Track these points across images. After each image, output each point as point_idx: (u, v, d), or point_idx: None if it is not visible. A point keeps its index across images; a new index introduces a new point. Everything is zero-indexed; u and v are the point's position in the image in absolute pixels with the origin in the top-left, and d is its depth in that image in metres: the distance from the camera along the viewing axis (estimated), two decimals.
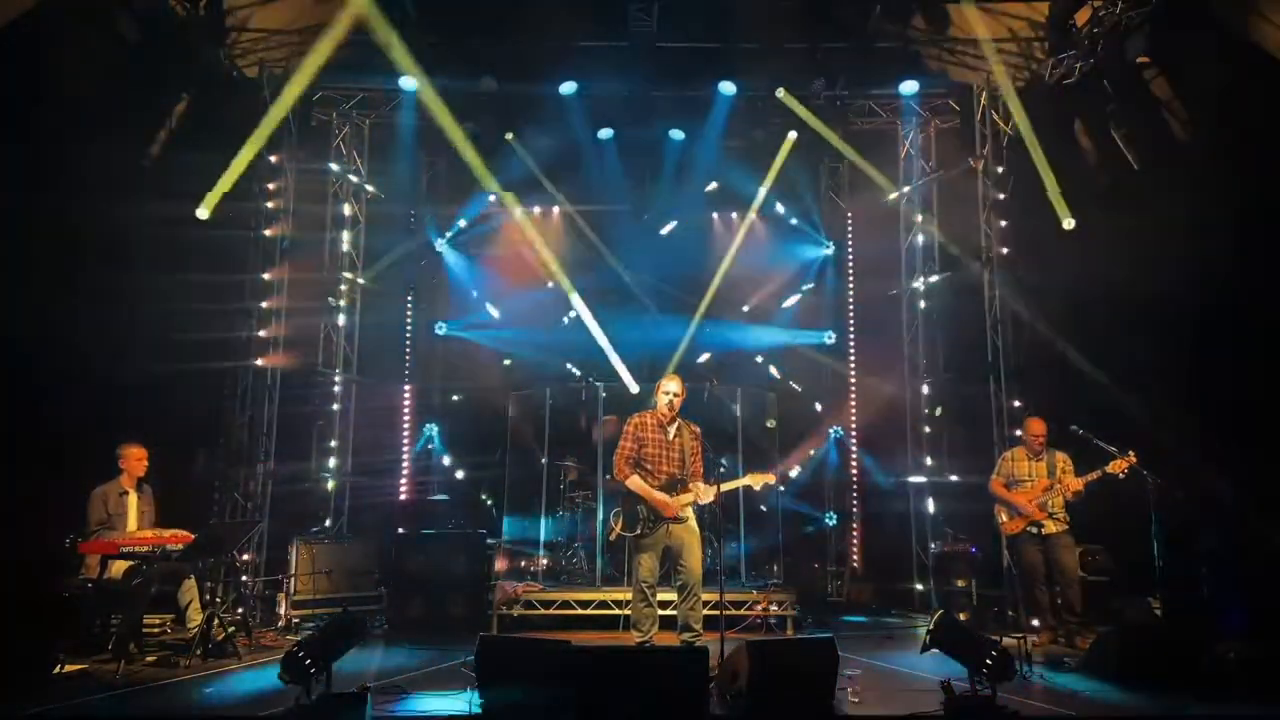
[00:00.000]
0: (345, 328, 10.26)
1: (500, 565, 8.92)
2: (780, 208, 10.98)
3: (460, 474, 10.50)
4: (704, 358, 10.64)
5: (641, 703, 4.69)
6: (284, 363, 9.16)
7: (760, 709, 4.85)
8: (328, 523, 9.76)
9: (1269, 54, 7.30)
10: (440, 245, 10.88)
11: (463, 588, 8.06)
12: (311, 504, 9.69)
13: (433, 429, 10.67)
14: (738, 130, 10.01)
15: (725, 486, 6.25)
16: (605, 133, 9.98)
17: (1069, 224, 8.25)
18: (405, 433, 10.72)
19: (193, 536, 6.52)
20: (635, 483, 6.24)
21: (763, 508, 9.26)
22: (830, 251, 11.07)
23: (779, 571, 8.82)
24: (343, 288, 10.23)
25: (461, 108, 9.47)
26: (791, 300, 11.00)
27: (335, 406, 10.08)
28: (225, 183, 7.95)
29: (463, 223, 10.98)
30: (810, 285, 11.03)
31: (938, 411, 9.97)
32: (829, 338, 10.88)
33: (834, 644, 5.16)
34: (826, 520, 10.56)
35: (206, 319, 8.67)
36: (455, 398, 10.76)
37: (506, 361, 10.78)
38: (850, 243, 11.20)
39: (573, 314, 10.34)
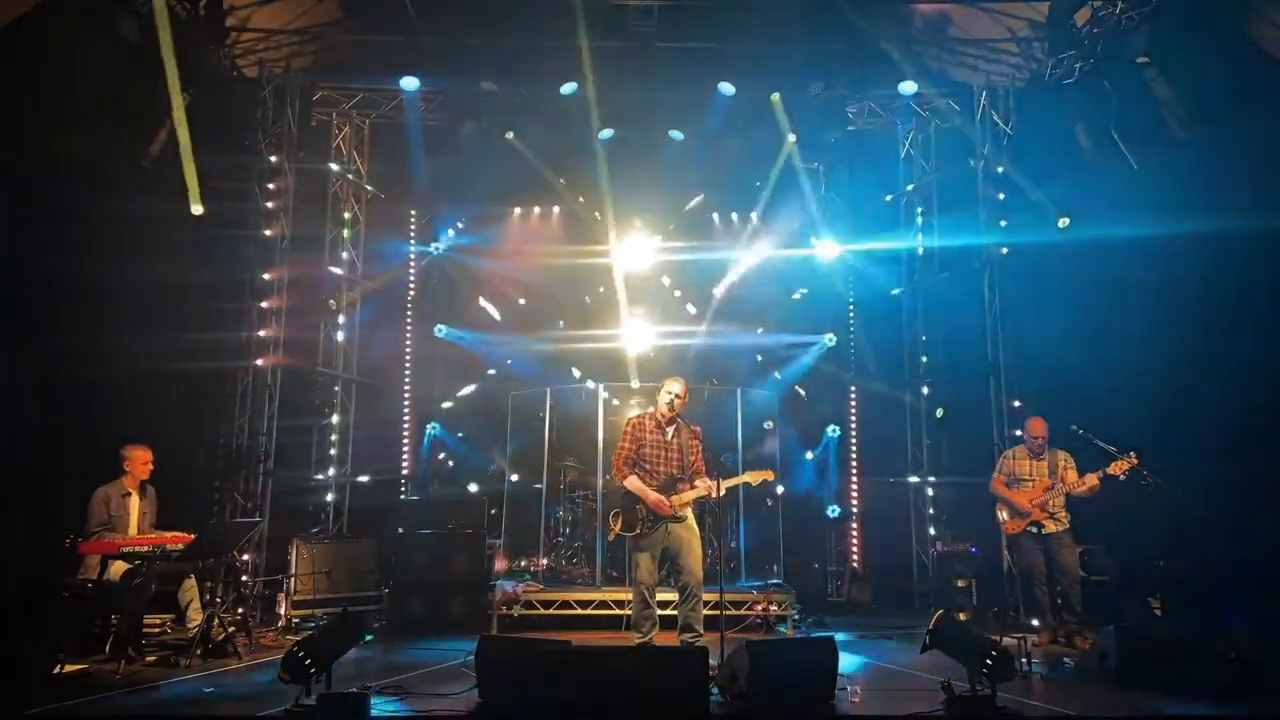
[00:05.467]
0: (345, 327, 10.27)
1: (500, 565, 8.92)
2: (780, 208, 10.97)
3: (452, 464, 10.52)
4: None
5: (641, 703, 4.69)
6: (284, 363, 9.15)
7: (760, 709, 4.86)
8: (328, 523, 9.76)
9: (1269, 54, 7.30)
10: (440, 245, 10.88)
11: (463, 588, 8.06)
12: (311, 504, 9.69)
13: (435, 429, 10.67)
14: (738, 130, 10.01)
15: (725, 484, 6.25)
16: (605, 133, 9.97)
17: (1063, 223, 8.26)
18: (405, 433, 10.72)
19: (193, 536, 6.52)
20: (633, 483, 6.24)
21: (765, 505, 9.26)
22: (830, 253, 11.05)
23: (779, 571, 8.82)
24: (342, 287, 10.24)
25: (461, 108, 9.51)
26: (792, 297, 10.99)
27: (335, 406, 10.08)
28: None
29: (462, 223, 10.99)
30: (806, 290, 11.02)
31: (939, 413, 9.97)
32: (830, 339, 10.87)
33: (834, 644, 5.16)
34: (829, 512, 10.54)
35: (206, 319, 8.67)
36: (448, 404, 10.77)
37: (492, 372, 10.77)
38: (850, 244, 11.19)
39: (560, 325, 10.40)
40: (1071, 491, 7.04)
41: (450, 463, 10.67)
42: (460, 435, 10.64)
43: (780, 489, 8.96)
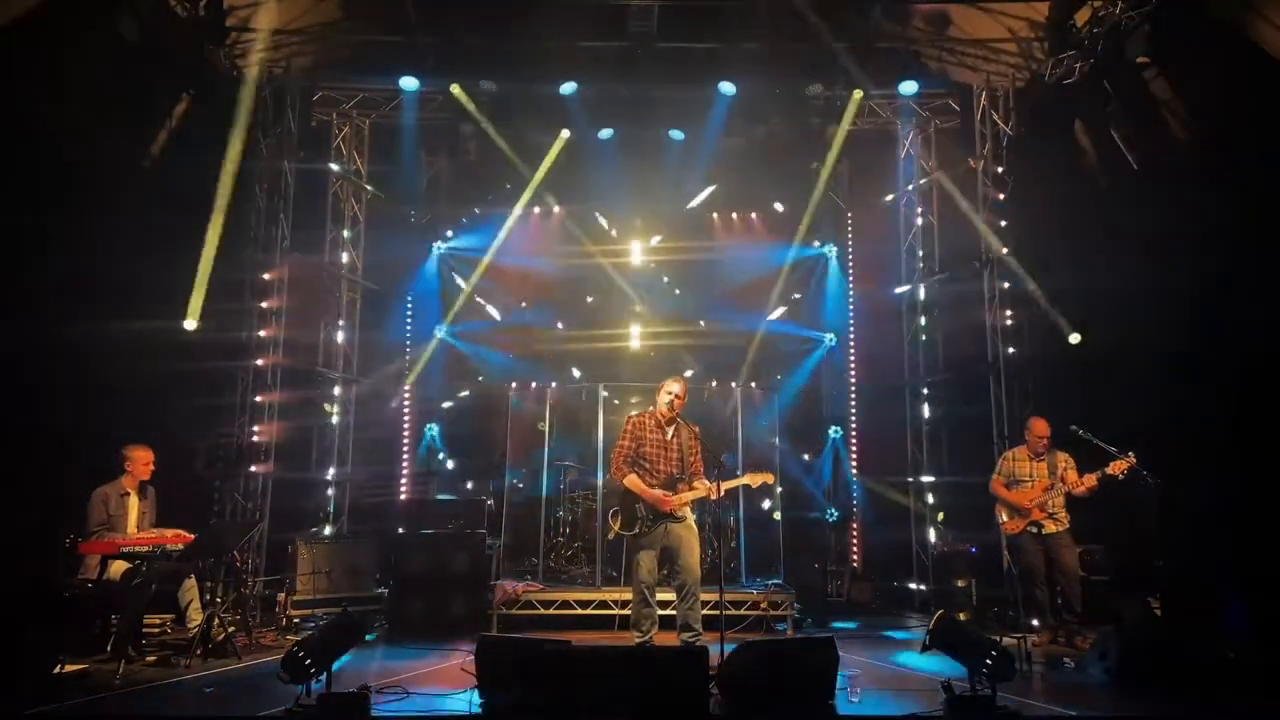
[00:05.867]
0: (345, 328, 10.26)
1: (500, 565, 8.90)
2: (780, 208, 10.98)
3: (452, 464, 10.56)
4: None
5: (641, 703, 4.69)
6: (284, 363, 9.15)
7: (760, 709, 4.85)
8: (328, 523, 9.76)
9: (1269, 54, 7.30)
10: (441, 245, 10.87)
11: (463, 588, 8.06)
12: (311, 504, 9.69)
13: (433, 429, 10.68)
14: (738, 130, 10.00)
15: (724, 486, 6.24)
16: (605, 133, 9.98)
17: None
18: (405, 433, 10.72)
19: (193, 536, 6.52)
20: (632, 481, 6.24)
21: (765, 505, 9.26)
22: (830, 253, 11.05)
23: (779, 571, 8.82)
24: (343, 287, 10.24)
25: (461, 108, 9.52)
26: (793, 297, 10.99)
27: (335, 406, 10.08)
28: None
29: (462, 223, 10.99)
30: (800, 296, 11.01)
31: (940, 410, 9.98)
32: (830, 339, 10.87)
33: (834, 644, 5.16)
34: (827, 516, 10.57)
35: (206, 319, 8.66)
36: (448, 404, 10.77)
37: (489, 373, 10.80)
38: (850, 243, 11.20)
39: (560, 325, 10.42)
40: (1071, 491, 7.04)
41: (449, 464, 10.68)
42: (456, 453, 10.63)
43: (780, 489, 8.95)
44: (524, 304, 11.08)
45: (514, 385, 9.83)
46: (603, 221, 11.00)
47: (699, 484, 6.28)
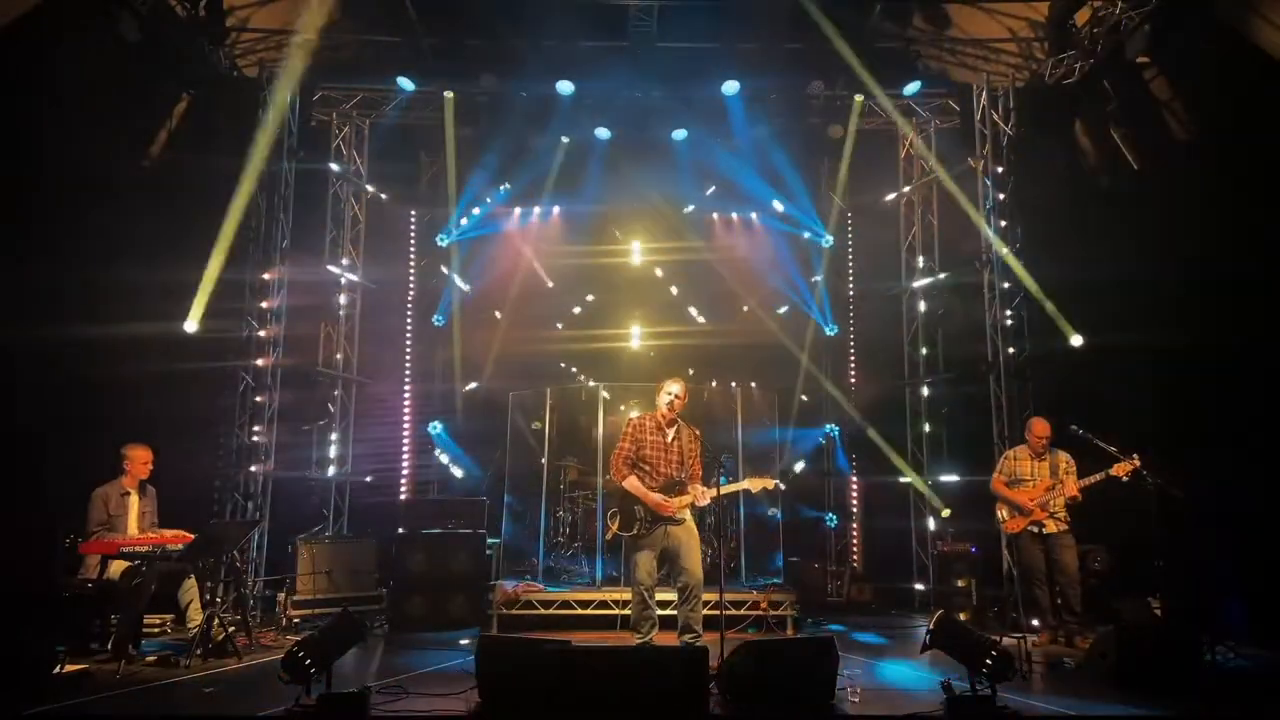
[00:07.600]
0: (345, 328, 10.27)
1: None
2: (780, 206, 10.98)
3: (451, 464, 10.58)
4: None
5: (641, 703, 4.69)
6: (284, 363, 9.15)
7: (760, 709, 4.86)
8: (328, 523, 9.76)
9: (1269, 54, 7.31)
10: (441, 243, 10.88)
11: (463, 588, 8.05)
12: (311, 504, 9.69)
13: (435, 428, 10.67)
14: (738, 129, 9.99)
15: (725, 489, 6.22)
16: (602, 133, 9.97)
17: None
18: (405, 432, 10.73)
19: (193, 536, 6.52)
20: (632, 483, 6.22)
21: (769, 510, 9.25)
22: (830, 250, 11.04)
23: (779, 571, 8.81)
24: (342, 287, 10.24)
25: (461, 109, 9.52)
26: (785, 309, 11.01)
27: (335, 406, 10.08)
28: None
29: (464, 221, 10.99)
30: (813, 282, 11.01)
31: (943, 410, 9.98)
32: (831, 329, 10.87)
33: (834, 644, 5.16)
34: (827, 521, 10.58)
35: (207, 319, 8.67)
36: (448, 404, 10.78)
37: (491, 373, 10.82)
38: (850, 242, 11.19)
39: (577, 309, 10.40)
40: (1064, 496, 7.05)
41: (451, 466, 10.67)
42: (456, 452, 10.64)
43: (781, 487, 8.94)
44: (523, 303, 11.06)
45: (514, 385, 9.82)
46: (602, 221, 10.99)
47: (693, 489, 6.25)
